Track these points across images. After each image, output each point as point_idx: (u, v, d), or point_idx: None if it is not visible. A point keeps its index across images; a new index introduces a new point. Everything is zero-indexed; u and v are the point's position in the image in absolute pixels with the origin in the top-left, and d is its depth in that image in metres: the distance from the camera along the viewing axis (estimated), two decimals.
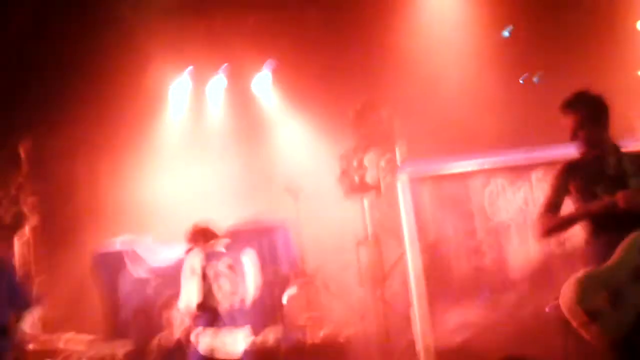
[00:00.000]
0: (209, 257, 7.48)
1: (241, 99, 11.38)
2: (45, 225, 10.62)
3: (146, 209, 10.76)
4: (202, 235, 7.60)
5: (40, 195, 10.50)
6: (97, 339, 9.37)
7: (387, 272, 9.90)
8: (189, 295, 7.30)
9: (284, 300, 9.65)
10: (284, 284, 9.62)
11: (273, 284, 9.73)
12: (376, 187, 9.92)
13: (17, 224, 10.11)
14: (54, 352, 8.70)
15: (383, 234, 10.07)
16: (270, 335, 9.48)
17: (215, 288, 7.31)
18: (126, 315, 10.20)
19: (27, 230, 10.31)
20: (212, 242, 7.59)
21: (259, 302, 10.06)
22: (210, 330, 7.23)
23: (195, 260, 7.43)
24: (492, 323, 8.43)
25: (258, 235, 10.43)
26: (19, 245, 10.39)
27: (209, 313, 7.28)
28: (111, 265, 10.39)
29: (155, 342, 9.12)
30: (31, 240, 10.45)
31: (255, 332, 9.59)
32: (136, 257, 10.43)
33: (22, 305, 6.50)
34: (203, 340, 7.26)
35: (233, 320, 7.32)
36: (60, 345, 8.55)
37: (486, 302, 8.54)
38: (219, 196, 10.87)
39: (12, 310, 6.43)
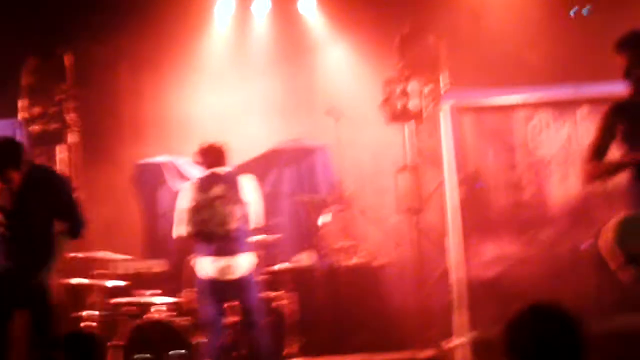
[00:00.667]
0: (206, 182, 7.47)
1: (286, 19, 11.24)
2: (87, 137, 10.70)
3: (187, 127, 10.76)
4: (209, 155, 7.60)
5: (83, 107, 10.56)
6: (133, 259, 9.51)
7: (424, 201, 9.91)
8: (182, 224, 7.41)
9: (320, 223, 9.70)
10: (320, 207, 9.65)
11: (310, 207, 9.80)
12: (418, 115, 9.86)
13: (60, 135, 10.18)
14: (90, 267, 8.83)
15: (422, 162, 10.04)
16: (305, 259, 9.58)
17: (209, 214, 7.33)
18: (164, 230, 10.32)
19: (69, 142, 10.40)
20: (215, 166, 7.55)
21: (295, 225, 10.21)
22: (208, 257, 7.31)
23: (187, 188, 7.53)
24: (527, 258, 8.43)
25: (297, 157, 10.47)
26: (61, 159, 10.50)
27: (205, 239, 7.35)
28: (151, 178, 10.50)
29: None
30: (73, 153, 10.55)
31: (291, 254, 9.73)
32: (176, 170, 10.51)
33: (69, 219, 6.33)
34: (201, 267, 7.37)
35: (232, 244, 7.32)
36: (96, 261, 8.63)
37: (522, 237, 8.53)
38: (260, 116, 10.87)
39: (59, 220, 6.29)
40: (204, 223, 7.33)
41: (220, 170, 7.58)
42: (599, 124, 5.41)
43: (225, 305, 7.72)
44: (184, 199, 7.47)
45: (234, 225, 7.36)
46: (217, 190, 7.40)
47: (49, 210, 6.22)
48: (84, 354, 4.28)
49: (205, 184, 7.46)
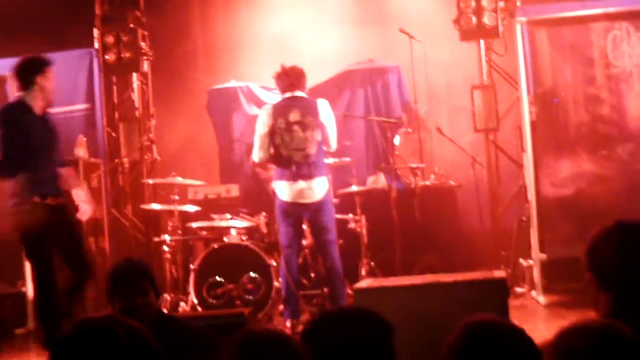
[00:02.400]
0: (284, 106, 7.41)
1: None
2: (161, 65, 10.76)
3: (259, 50, 10.71)
4: (286, 78, 7.50)
5: (156, 35, 10.61)
6: (209, 184, 9.60)
7: (501, 118, 9.73)
8: (260, 149, 7.40)
9: (396, 142, 9.60)
10: (395, 127, 9.54)
11: (384, 127, 9.70)
12: (493, 31, 9.60)
13: (134, 63, 10.25)
14: (167, 193, 8.96)
15: (498, 78, 9.84)
16: (382, 177, 9.52)
17: (287, 139, 7.29)
18: (240, 153, 10.39)
19: (144, 67, 10.48)
20: (292, 90, 7.46)
21: (369, 146, 10.15)
22: (286, 181, 7.31)
23: (264, 112, 7.47)
24: (605, 175, 8.22)
25: (371, 77, 10.33)
26: (138, 85, 10.61)
27: (283, 164, 7.33)
28: (226, 103, 10.50)
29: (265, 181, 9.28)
30: (148, 80, 10.65)
31: (366, 175, 9.70)
32: (251, 95, 10.50)
33: None
34: (280, 190, 7.36)
35: (310, 169, 7.32)
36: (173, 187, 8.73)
37: (600, 153, 8.31)
38: (331, 35, 10.72)
39: None
40: (282, 147, 7.32)
41: (298, 94, 7.49)
42: None
43: (303, 227, 7.75)
44: (262, 123, 7.44)
45: (311, 150, 7.34)
46: (294, 114, 7.34)
47: None
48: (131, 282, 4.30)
49: (283, 109, 7.42)
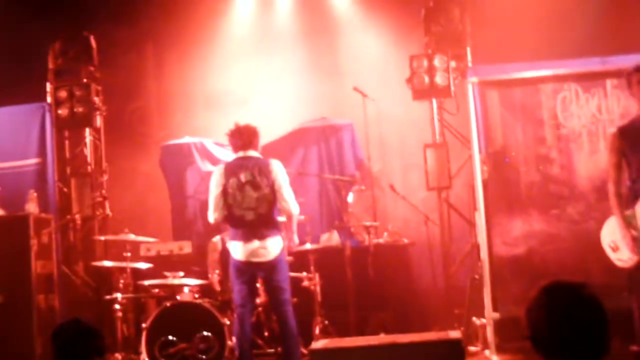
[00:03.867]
0: (236, 166, 7.39)
1: None
2: (114, 120, 10.73)
3: (212, 107, 10.76)
4: (239, 138, 7.49)
5: (109, 89, 10.58)
6: (161, 241, 9.54)
7: (453, 176, 9.84)
8: (215, 209, 7.38)
9: (350, 200, 9.65)
10: (348, 186, 9.60)
11: (337, 185, 9.76)
12: (445, 90, 9.76)
13: (87, 118, 10.20)
14: (119, 250, 8.87)
15: (451, 137, 9.96)
16: (335, 235, 9.55)
17: (239, 199, 7.27)
18: (194, 210, 10.35)
19: (97, 122, 10.43)
20: (245, 149, 7.44)
21: (322, 204, 10.17)
22: (240, 241, 7.28)
23: (218, 172, 7.44)
24: (557, 234, 8.31)
25: (325, 134, 10.41)
26: (90, 140, 10.55)
27: (236, 223, 7.31)
28: (179, 158, 10.50)
29: (216, 240, 9.22)
30: (100, 135, 10.58)
31: (319, 233, 9.70)
32: (205, 151, 10.51)
33: None
34: (234, 249, 7.34)
35: (263, 228, 7.29)
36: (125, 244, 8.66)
37: (551, 212, 8.41)
38: (285, 94, 10.81)
39: None
40: (235, 207, 7.30)
41: (250, 153, 7.47)
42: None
43: (257, 285, 7.72)
44: (215, 183, 7.39)
45: (263, 209, 7.31)
46: (246, 174, 7.33)
47: None
48: (74, 347, 4.22)
49: (235, 168, 7.39)
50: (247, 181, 7.32)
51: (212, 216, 7.44)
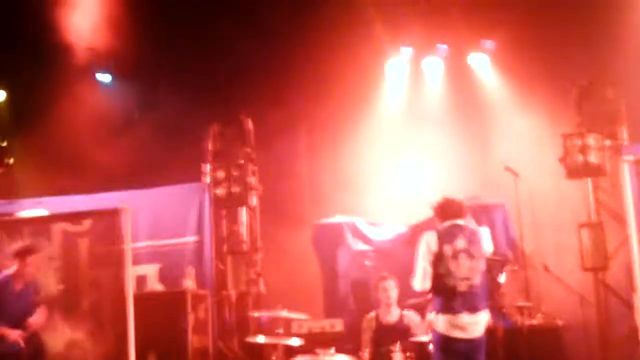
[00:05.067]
0: (447, 234, 7.05)
1: (459, 75, 11.27)
2: (268, 199, 11.02)
3: (363, 187, 10.90)
4: (450, 206, 7.21)
5: (263, 170, 10.91)
6: (313, 318, 9.65)
7: (610, 256, 9.58)
8: (424, 275, 7.01)
9: (502, 280, 9.51)
10: (502, 265, 9.47)
11: (490, 265, 9.64)
12: (599, 169, 9.60)
13: (242, 198, 10.54)
14: (272, 326, 9.02)
15: (606, 217, 9.74)
16: (488, 317, 9.40)
17: (452, 267, 6.91)
18: (345, 288, 10.44)
19: (253, 202, 10.75)
20: (456, 218, 7.12)
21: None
22: (447, 313, 6.88)
23: (431, 238, 7.05)
24: None
25: (476, 214, 10.27)
26: (246, 218, 10.85)
27: (447, 294, 6.92)
28: (331, 238, 10.63)
29: (371, 317, 9.26)
30: (255, 214, 10.87)
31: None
32: (356, 230, 10.62)
33: None
34: (439, 322, 6.95)
35: (472, 301, 6.92)
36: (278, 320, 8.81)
37: None
38: (436, 173, 10.85)
39: None
40: (447, 276, 6.91)
41: (460, 222, 7.15)
42: None
43: None
44: (427, 249, 7.01)
45: (476, 280, 6.97)
46: (461, 242, 6.98)
47: None
48: None
49: (449, 235, 7.02)
50: (462, 249, 6.98)
51: (419, 284, 7.06)
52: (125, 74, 11.76)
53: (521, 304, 9.10)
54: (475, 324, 6.92)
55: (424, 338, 8.61)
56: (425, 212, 10.20)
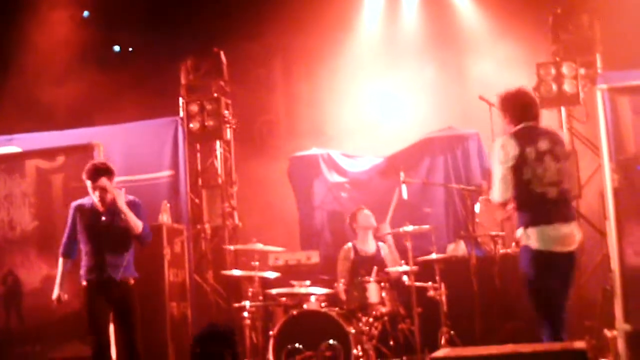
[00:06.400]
0: (526, 135, 6.12)
1: (436, 5, 11.17)
2: (243, 133, 11.00)
3: (339, 119, 10.88)
4: (520, 103, 6.30)
5: (239, 103, 10.85)
6: (288, 250, 9.70)
7: (583, 185, 9.63)
8: (504, 183, 6.08)
9: (476, 210, 9.56)
10: (476, 194, 9.51)
11: (464, 195, 9.69)
12: (574, 98, 9.58)
13: (217, 132, 10.50)
14: (248, 259, 9.07)
15: (580, 145, 9.76)
16: (462, 245, 9.48)
17: (539, 172, 6.01)
18: (321, 220, 10.48)
19: (227, 135, 10.71)
20: (530, 120, 6.19)
21: (451, 212, 10.11)
22: (541, 225, 6.00)
23: (507, 141, 6.10)
24: None
25: (451, 143, 10.34)
26: (221, 152, 10.83)
27: (533, 202, 6.04)
28: (307, 169, 10.67)
29: (348, 247, 9.31)
30: (230, 148, 10.85)
31: (447, 241, 9.66)
32: (332, 162, 10.64)
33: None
34: (532, 237, 6.02)
35: (564, 209, 6.06)
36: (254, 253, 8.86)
37: None
38: (411, 104, 10.83)
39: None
40: (534, 183, 6.00)
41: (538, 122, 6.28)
42: None
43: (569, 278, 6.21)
44: (505, 154, 6.05)
45: (566, 184, 6.10)
46: (543, 143, 6.07)
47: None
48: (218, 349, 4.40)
49: (530, 136, 6.10)
50: (546, 150, 6.07)
51: (499, 195, 6.12)
52: (98, 6, 11.60)
53: (495, 233, 9.15)
54: (572, 235, 6.06)
55: (398, 268, 8.75)
56: (401, 143, 10.33)
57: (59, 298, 7.42)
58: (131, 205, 7.38)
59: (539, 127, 6.28)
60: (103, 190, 7.26)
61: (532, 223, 6.02)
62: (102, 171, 7.29)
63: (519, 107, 6.29)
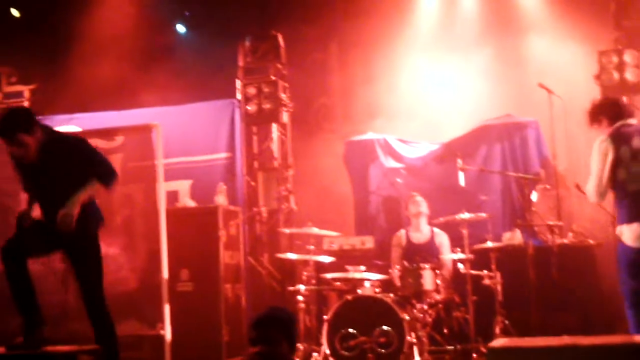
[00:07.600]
0: (621, 134, 6.36)
1: None
2: (299, 116, 11.01)
3: (396, 105, 10.83)
4: (612, 107, 6.59)
5: (295, 86, 10.86)
6: (343, 235, 9.70)
7: None
8: (600, 183, 6.36)
9: (534, 198, 9.47)
10: (533, 184, 9.41)
11: (522, 183, 9.60)
12: (637, 86, 9.43)
13: (274, 114, 10.53)
14: (303, 243, 9.10)
15: None
16: (518, 234, 9.39)
17: (634, 171, 6.24)
18: (376, 205, 10.46)
19: (284, 118, 10.73)
20: (625, 118, 6.43)
21: (508, 200, 10.02)
22: (635, 222, 6.22)
23: (604, 141, 6.39)
24: None
25: (509, 131, 10.24)
26: (277, 135, 10.86)
27: (629, 200, 6.26)
28: (363, 154, 10.64)
29: (400, 234, 9.31)
30: (286, 131, 10.87)
31: (501, 232, 9.57)
32: (388, 147, 10.60)
33: (94, 172, 6.30)
34: (628, 234, 6.32)
35: None
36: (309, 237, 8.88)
37: None
38: (469, 91, 10.74)
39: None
40: (629, 181, 6.25)
41: (632, 121, 6.47)
42: None
43: None
44: (602, 154, 6.33)
45: None
46: (637, 141, 6.28)
47: (67, 171, 6.25)
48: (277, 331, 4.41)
49: (625, 135, 6.31)
50: None
51: (595, 194, 6.43)
52: None
53: (552, 222, 9.07)
54: None
55: (453, 256, 8.72)
56: (457, 131, 10.25)
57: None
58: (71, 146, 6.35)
59: (633, 124, 6.44)
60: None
61: (626, 220, 6.27)
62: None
63: (613, 109, 6.52)
